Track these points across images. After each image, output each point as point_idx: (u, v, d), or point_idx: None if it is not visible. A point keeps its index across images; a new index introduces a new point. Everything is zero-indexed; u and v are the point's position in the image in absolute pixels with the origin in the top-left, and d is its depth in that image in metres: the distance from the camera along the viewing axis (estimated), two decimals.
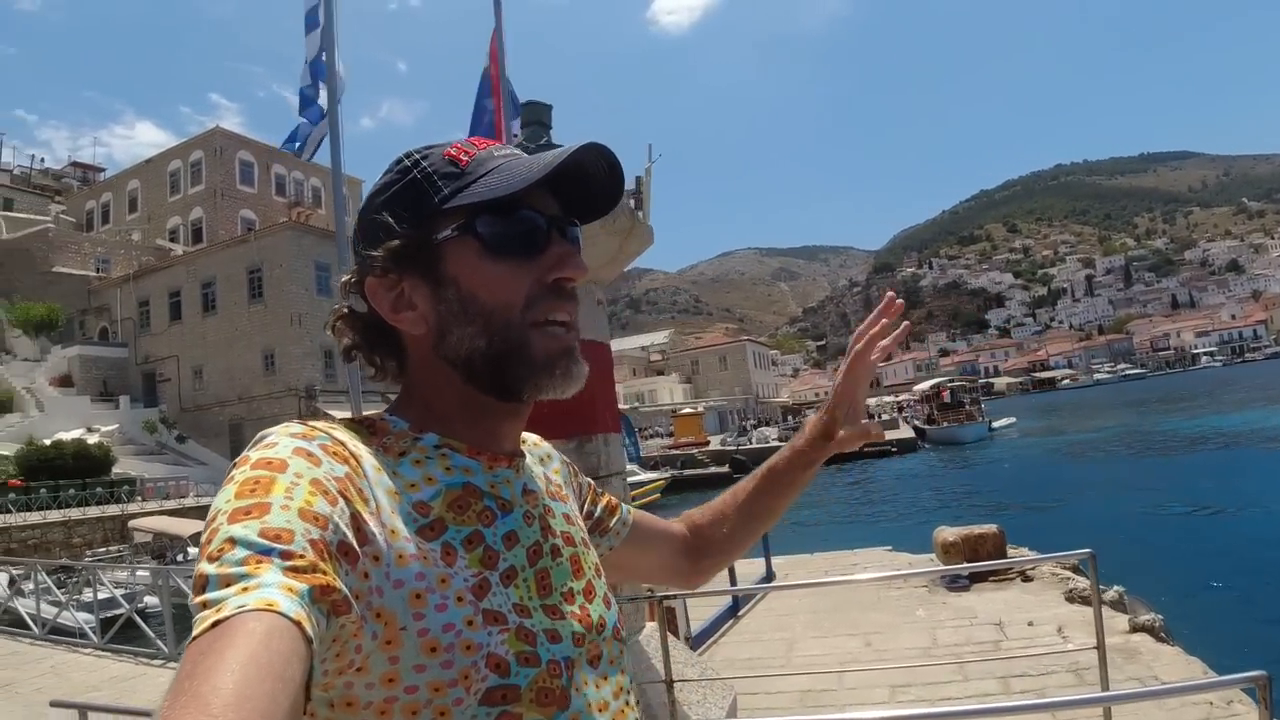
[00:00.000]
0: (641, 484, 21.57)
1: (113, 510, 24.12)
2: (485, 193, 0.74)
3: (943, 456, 38.52)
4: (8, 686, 7.73)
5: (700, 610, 7.08)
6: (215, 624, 0.48)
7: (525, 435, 0.91)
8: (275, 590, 0.50)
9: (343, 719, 0.62)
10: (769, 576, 8.57)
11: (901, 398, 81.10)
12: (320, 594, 0.53)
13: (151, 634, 9.02)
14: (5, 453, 29.26)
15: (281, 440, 0.64)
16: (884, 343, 1.06)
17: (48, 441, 29.01)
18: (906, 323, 1.10)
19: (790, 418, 70.75)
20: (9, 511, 22.54)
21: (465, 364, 0.77)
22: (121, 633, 9.33)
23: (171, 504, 25.47)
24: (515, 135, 4.95)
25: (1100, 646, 3.25)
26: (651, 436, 54.46)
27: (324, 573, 0.55)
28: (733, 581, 7.78)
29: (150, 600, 10.91)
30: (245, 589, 0.50)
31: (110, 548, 20.72)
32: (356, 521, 0.62)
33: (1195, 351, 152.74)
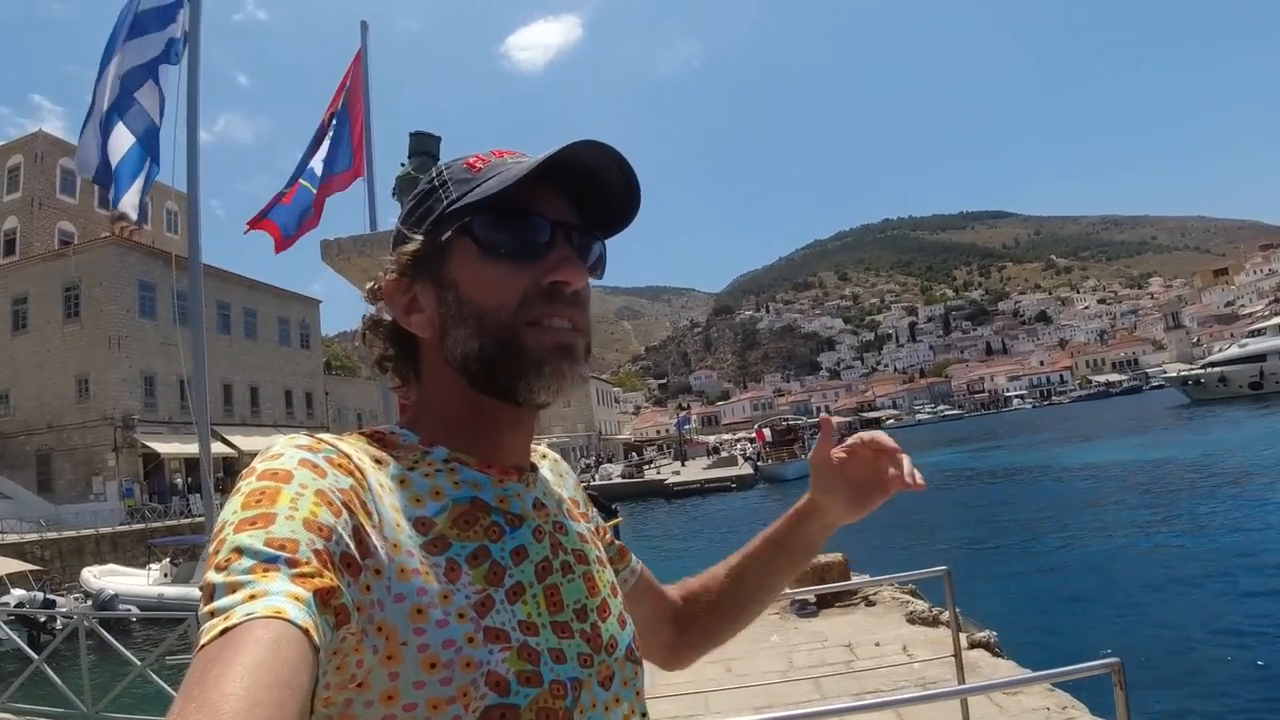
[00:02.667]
0: None
1: None
2: (480, 193, 0.75)
3: (773, 492, 39.88)
4: None
5: None
6: (223, 631, 0.48)
7: (545, 451, 0.91)
8: (283, 598, 0.51)
9: None
10: None
11: (739, 435, 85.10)
12: (324, 597, 0.54)
13: None
14: None
15: (287, 452, 0.65)
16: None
17: None
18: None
19: (633, 455, 71.68)
20: None
21: (463, 365, 0.77)
22: None
23: None
24: (402, 164, 4.77)
25: (957, 653, 3.49)
26: None
27: (328, 579, 0.55)
28: None
29: None
30: (253, 596, 0.51)
31: None
32: (359, 534, 0.62)
33: (1008, 394, 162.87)
